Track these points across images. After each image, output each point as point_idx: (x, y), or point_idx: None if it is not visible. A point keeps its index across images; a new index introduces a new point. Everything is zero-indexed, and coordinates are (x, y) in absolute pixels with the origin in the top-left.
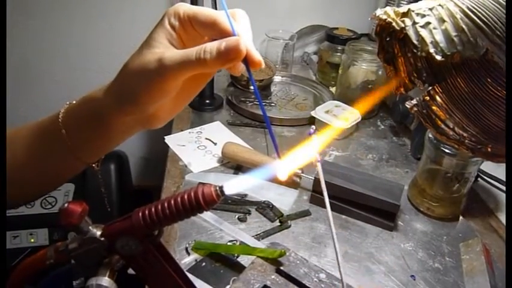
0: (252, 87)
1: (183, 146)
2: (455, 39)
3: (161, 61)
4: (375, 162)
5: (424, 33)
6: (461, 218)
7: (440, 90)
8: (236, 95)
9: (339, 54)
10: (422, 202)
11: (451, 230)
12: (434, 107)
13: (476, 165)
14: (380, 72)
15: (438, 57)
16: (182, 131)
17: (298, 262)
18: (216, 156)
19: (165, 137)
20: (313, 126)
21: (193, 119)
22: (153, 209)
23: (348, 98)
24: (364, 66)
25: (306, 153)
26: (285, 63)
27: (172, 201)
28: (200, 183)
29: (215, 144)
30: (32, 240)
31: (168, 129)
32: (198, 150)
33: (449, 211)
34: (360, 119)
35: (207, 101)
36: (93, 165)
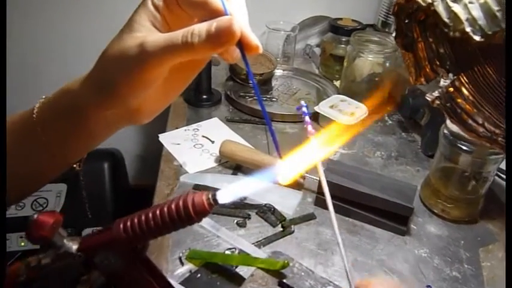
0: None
1: (178, 144)
2: (497, 14)
3: (142, 46)
4: (383, 160)
5: (457, 8)
6: (479, 220)
7: (467, 80)
8: (235, 90)
9: (343, 46)
10: (437, 203)
11: (468, 234)
12: (459, 100)
13: (496, 163)
14: (387, 64)
15: (476, 38)
16: (177, 128)
17: (302, 274)
18: (214, 156)
19: (159, 135)
20: (310, 128)
21: (189, 116)
22: (136, 220)
23: (353, 92)
24: (371, 58)
25: (310, 155)
26: (287, 56)
27: (158, 212)
28: (195, 185)
29: (213, 142)
30: (23, 243)
31: (164, 126)
32: (194, 149)
33: (466, 213)
34: (366, 114)
35: (204, 96)
36: (75, 165)
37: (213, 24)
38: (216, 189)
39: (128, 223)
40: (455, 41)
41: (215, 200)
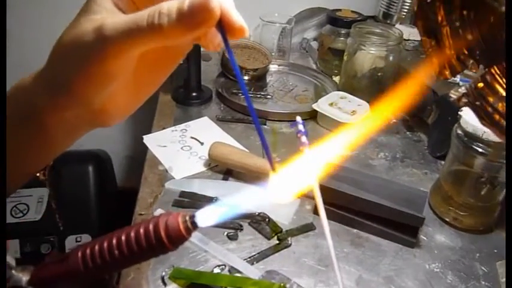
0: (244, 77)
1: (165, 146)
2: None
3: (100, 31)
4: (387, 162)
5: None
6: (494, 229)
7: (500, 73)
8: (227, 87)
9: (342, 39)
10: (448, 211)
11: (484, 245)
12: (491, 98)
13: None
14: (390, 58)
15: None
16: (164, 128)
17: None
18: (203, 159)
19: (144, 136)
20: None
21: (177, 115)
22: (96, 249)
23: (353, 88)
24: (373, 51)
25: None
26: (282, 50)
27: (123, 238)
28: (181, 192)
29: (202, 144)
30: None
31: (151, 127)
32: (182, 151)
33: (480, 222)
34: (368, 112)
35: (194, 94)
36: (38, 174)
37: (185, 1)
38: (199, 205)
39: (87, 252)
40: (488, 26)
41: (193, 223)
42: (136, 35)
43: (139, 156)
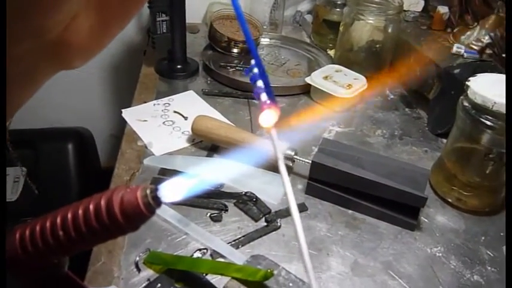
0: (233, 49)
1: (145, 121)
2: None
3: None
4: (385, 139)
5: None
6: (501, 211)
7: None
8: (215, 60)
9: (338, 10)
10: (451, 191)
11: (489, 228)
12: None
13: None
14: (389, 30)
15: None
16: (146, 102)
17: (291, 285)
18: (186, 134)
19: (123, 110)
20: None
21: (160, 89)
22: (37, 230)
23: (350, 61)
24: (371, 21)
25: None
26: (274, 23)
27: (69, 217)
28: (161, 170)
29: (186, 118)
30: None
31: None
32: (164, 126)
33: (486, 202)
34: (366, 87)
35: (179, 66)
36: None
37: None
38: (164, 179)
39: (26, 234)
40: None
41: (156, 198)
42: None
43: (121, 134)
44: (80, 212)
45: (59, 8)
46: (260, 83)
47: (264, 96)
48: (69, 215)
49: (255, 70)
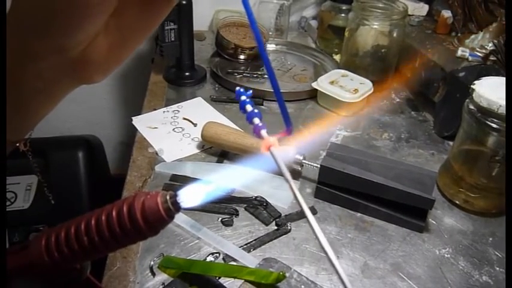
0: (240, 56)
1: (155, 128)
2: None
3: None
4: (392, 142)
5: None
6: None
7: None
8: (222, 67)
9: (343, 15)
10: (458, 193)
11: (497, 229)
12: None
13: None
14: (395, 34)
15: None
16: (155, 110)
17: (303, 287)
18: (196, 141)
19: (133, 117)
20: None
21: (169, 95)
22: (62, 236)
23: (355, 66)
24: (376, 26)
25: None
26: (280, 29)
27: (93, 223)
28: (172, 176)
29: (195, 125)
30: None
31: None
32: (174, 133)
33: (493, 204)
34: (372, 91)
35: (187, 74)
36: (17, 144)
37: None
38: (183, 185)
39: (52, 240)
40: None
41: (175, 204)
42: None
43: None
44: (103, 217)
45: (82, 29)
46: (257, 121)
47: (264, 133)
48: (93, 221)
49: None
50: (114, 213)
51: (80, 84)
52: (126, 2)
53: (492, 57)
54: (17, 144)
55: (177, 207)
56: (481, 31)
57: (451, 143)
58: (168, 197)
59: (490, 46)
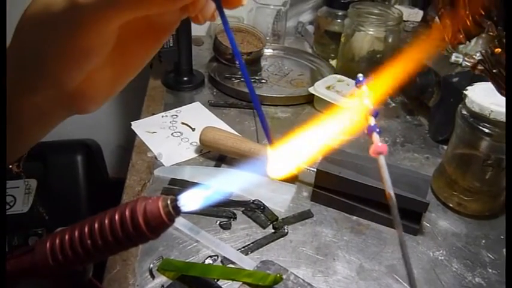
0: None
1: (154, 133)
2: None
3: None
4: (387, 146)
5: None
6: (500, 215)
7: None
8: (220, 72)
9: (339, 21)
10: (452, 196)
11: (490, 231)
12: None
13: None
14: (390, 40)
15: None
16: (154, 114)
17: None
18: (194, 145)
19: (132, 122)
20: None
21: (167, 100)
22: (66, 239)
23: (351, 71)
24: (371, 31)
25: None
26: (277, 34)
27: (96, 226)
28: (171, 180)
29: (193, 129)
30: None
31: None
32: (172, 137)
33: (486, 207)
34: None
35: (185, 79)
36: (11, 165)
37: None
38: (183, 190)
39: (56, 243)
40: None
41: (176, 208)
42: (115, 2)
43: (130, 145)
44: (106, 221)
45: (79, 68)
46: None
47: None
48: (96, 225)
49: None
50: (116, 217)
51: (74, 114)
52: (123, 41)
53: (480, 67)
54: (10, 167)
55: (177, 212)
56: (469, 41)
57: (445, 147)
58: (169, 202)
59: (477, 56)
